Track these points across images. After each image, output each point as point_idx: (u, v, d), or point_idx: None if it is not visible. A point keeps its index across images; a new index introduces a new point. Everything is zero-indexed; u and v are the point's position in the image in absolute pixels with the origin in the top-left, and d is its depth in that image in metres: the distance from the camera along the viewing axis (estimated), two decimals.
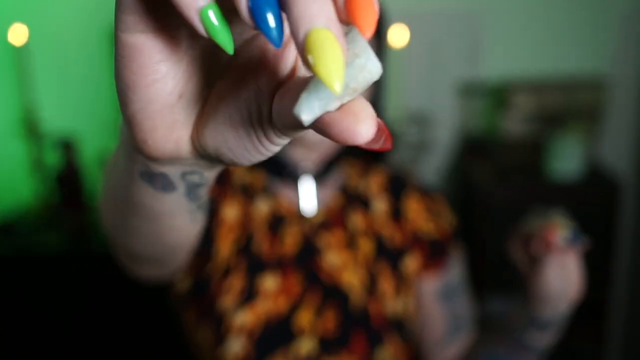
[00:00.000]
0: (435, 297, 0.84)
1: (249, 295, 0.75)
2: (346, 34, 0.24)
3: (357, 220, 0.82)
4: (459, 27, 1.91)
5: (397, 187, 0.86)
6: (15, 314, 1.73)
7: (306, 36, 0.22)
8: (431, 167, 2.01)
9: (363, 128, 0.23)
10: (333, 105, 0.24)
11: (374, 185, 0.85)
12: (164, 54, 0.27)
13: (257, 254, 0.77)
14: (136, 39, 0.26)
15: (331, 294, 0.76)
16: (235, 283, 0.75)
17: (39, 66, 1.95)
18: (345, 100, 0.24)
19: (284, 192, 0.81)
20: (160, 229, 0.44)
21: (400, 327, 0.78)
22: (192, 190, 0.38)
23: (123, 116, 0.29)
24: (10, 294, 1.72)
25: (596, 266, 1.71)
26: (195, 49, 0.29)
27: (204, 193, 0.40)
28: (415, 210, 0.85)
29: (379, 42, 0.80)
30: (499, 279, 1.70)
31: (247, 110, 0.28)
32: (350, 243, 0.80)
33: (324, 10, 0.22)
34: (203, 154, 0.31)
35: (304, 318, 0.74)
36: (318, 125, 0.24)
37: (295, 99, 0.25)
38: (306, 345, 0.73)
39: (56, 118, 2.00)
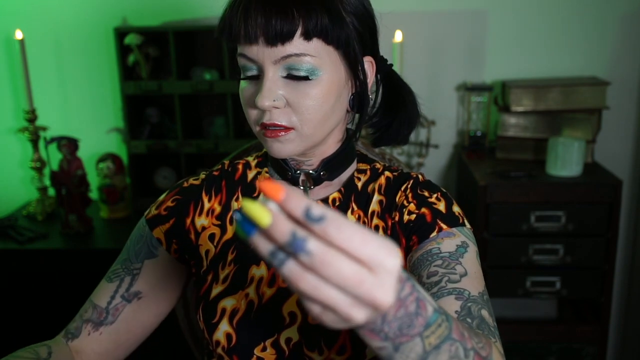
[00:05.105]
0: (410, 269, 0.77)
1: (239, 282, 0.76)
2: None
3: (353, 219, 0.81)
4: (459, 27, 1.91)
5: (397, 187, 0.86)
6: (13, 314, 1.73)
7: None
8: (431, 167, 2.02)
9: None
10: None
11: (373, 185, 0.85)
12: None
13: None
14: None
15: None
16: (227, 271, 0.77)
17: (39, 66, 1.95)
18: None
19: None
20: None
21: None
22: None
23: None
24: (9, 294, 1.72)
25: (596, 266, 1.71)
26: None
27: None
28: (408, 207, 0.83)
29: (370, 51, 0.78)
30: (499, 279, 1.70)
31: None
32: None
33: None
34: None
35: (292, 307, 0.74)
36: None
37: None
38: (292, 333, 0.73)
39: (56, 118, 2.00)
